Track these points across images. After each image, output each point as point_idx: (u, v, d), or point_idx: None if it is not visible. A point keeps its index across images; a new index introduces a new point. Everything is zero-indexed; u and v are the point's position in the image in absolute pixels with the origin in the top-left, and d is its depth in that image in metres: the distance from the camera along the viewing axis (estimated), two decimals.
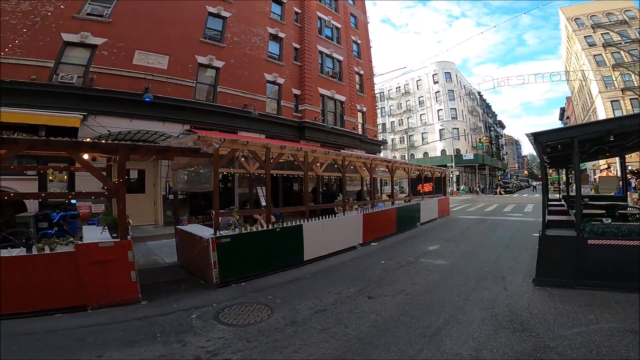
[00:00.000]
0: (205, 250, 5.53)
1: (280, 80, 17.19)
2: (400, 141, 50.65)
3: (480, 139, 45.29)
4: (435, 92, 46.88)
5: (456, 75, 48.71)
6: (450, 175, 38.75)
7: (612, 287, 4.51)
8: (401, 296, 4.80)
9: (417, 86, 49.78)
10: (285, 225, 6.69)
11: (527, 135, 5.52)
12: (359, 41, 23.78)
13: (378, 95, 52.20)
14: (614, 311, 3.94)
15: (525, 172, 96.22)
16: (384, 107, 53.86)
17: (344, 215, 8.59)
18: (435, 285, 5.29)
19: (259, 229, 6.34)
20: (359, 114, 22.71)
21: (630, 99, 30.02)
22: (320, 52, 19.83)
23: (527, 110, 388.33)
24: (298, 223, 6.96)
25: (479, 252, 7.69)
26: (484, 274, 5.76)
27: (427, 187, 17.04)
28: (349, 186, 19.27)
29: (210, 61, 14.28)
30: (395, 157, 48.55)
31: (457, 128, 45.01)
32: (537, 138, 5.30)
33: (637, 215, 6.75)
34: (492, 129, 63.67)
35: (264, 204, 8.39)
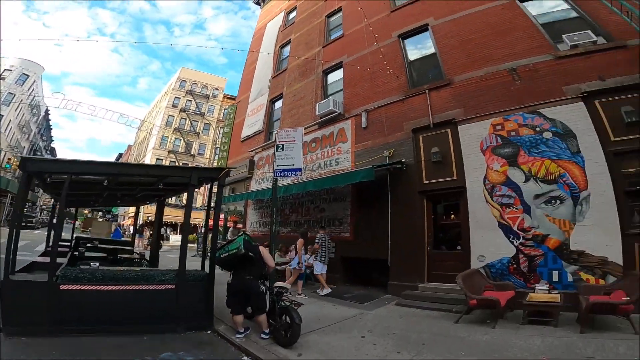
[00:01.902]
0: None
1: None
2: None
3: (9, 159, 36.52)
4: None
5: (37, 82, 37.55)
6: None
7: (95, 331, 4.40)
8: None
9: None
10: None
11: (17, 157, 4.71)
12: None
13: None
14: (105, 355, 3.94)
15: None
16: None
17: None
18: None
19: None
20: None
21: (171, 161, 35.07)
22: None
23: (92, 147, 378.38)
24: None
25: None
26: None
27: None
28: None
29: None
30: None
31: None
32: (25, 163, 4.55)
33: (136, 260, 7.63)
34: (40, 153, 54.61)
35: None
